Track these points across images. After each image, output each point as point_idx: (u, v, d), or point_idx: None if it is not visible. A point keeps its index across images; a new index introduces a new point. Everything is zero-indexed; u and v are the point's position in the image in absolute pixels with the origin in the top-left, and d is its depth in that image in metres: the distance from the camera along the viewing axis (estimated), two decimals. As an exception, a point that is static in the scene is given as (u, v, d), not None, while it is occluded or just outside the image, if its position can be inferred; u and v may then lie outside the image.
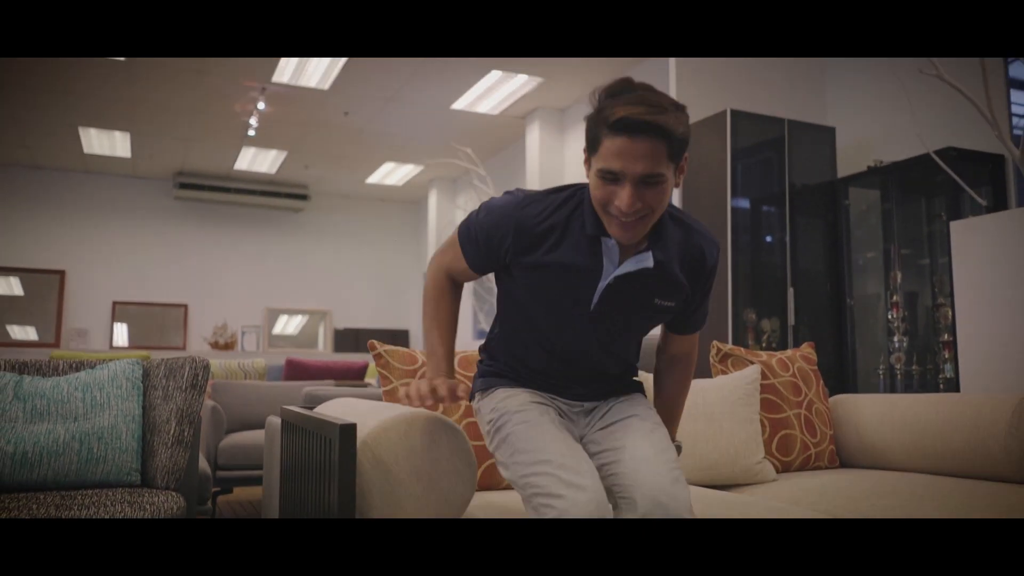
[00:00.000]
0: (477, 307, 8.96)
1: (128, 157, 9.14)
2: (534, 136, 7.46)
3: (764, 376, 2.51)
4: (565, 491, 1.35)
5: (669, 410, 1.79)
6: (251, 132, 7.85)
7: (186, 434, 2.24)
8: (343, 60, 6.32)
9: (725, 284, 4.24)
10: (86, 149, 8.81)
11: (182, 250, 10.15)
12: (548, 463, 1.39)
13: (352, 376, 5.35)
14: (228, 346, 9.98)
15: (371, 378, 6.23)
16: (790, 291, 4.41)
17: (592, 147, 1.44)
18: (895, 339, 4.25)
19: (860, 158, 4.65)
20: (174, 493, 2.07)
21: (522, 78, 6.74)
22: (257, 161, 9.31)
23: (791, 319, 4.39)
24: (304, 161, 9.35)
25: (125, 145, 8.69)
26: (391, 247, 11.43)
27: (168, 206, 10.11)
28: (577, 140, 7.14)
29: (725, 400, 2.31)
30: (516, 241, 1.52)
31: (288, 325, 10.75)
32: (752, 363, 2.54)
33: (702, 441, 2.28)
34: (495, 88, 6.98)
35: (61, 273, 9.50)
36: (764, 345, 4.36)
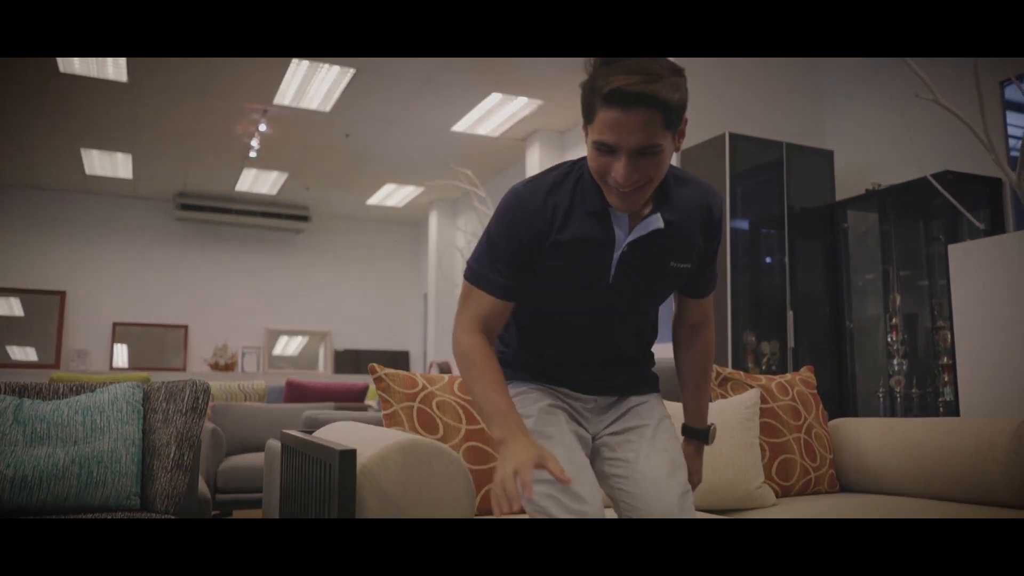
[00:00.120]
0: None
1: (130, 178, 9.18)
2: (534, 158, 7.49)
3: (764, 400, 2.51)
4: (566, 517, 1.37)
5: (697, 389, 1.75)
6: (252, 154, 7.89)
7: (186, 458, 2.24)
8: (345, 82, 6.37)
9: (725, 306, 4.25)
10: (88, 170, 8.86)
11: (183, 271, 10.17)
12: (552, 484, 1.38)
13: (352, 398, 5.34)
14: (228, 367, 9.97)
15: (371, 399, 6.22)
16: (789, 314, 4.41)
17: (587, 117, 1.41)
18: (895, 362, 4.25)
19: (858, 181, 4.67)
20: (173, 518, 2.07)
21: (522, 100, 6.79)
22: (258, 182, 9.36)
23: (791, 342, 4.39)
24: (305, 182, 9.39)
25: (127, 166, 8.73)
26: (391, 268, 11.45)
27: (169, 227, 10.14)
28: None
29: (724, 424, 2.31)
30: (541, 228, 1.49)
31: (288, 346, 10.75)
32: (751, 387, 2.55)
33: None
34: (495, 110, 7.03)
35: (62, 294, 9.52)
36: (764, 368, 4.36)
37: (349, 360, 10.74)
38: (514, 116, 7.12)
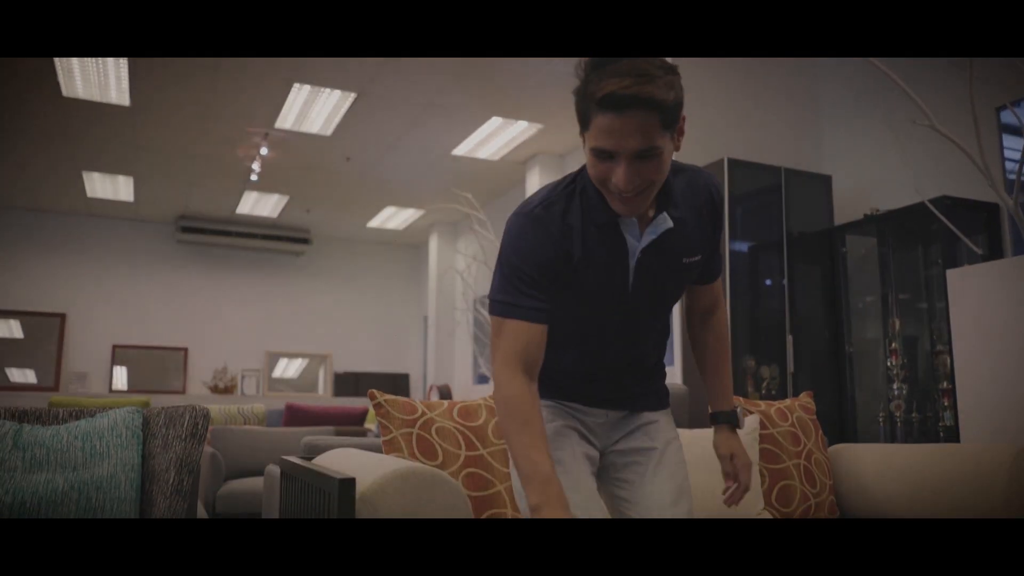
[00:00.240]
0: (477, 351, 8.95)
1: (131, 201, 9.22)
2: (534, 181, 7.53)
3: (763, 426, 2.51)
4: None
5: (717, 371, 1.74)
6: (253, 177, 7.93)
7: (185, 483, 2.24)
8: (346, 107, 6.41)
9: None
10: (89, 193, 8.89)
11: (183, 293, 10.18)
12: None
13: (352, 421, 5.33)
14: (228, 390, 9.95)
15: (371, 423, 6.20)
16: (789, 338, 4.41)
17: (583, 124, 1.38)
18: (895, 386, 4.25)
19: (856, 206, 4.69)
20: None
21: (522, 124, 6.83)
22: (259, 205, 9.39)
23: (790, 366, 4.39)
24: (306, 205, 9.42)
25: (128, 189, 8.77)
26: (392, 291, 11.47)
27: (170, 249, 10.17)
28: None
29: (724, 450, 2.31)
30: (566, 247, 1.46)
31: (288, 368, 10.73)
32: (751, 413, 2.55)
33: (700, 492, 2.27)
34: (495, 134, 7.07)
35: (62, 316, 9.52)
36: (764, 393, 4.36)
37: (349, 383, 10.72)
38: (514, 140, 7.17)
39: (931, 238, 4.29)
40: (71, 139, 7.22)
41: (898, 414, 4.23)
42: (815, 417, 2.70)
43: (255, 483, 4.20)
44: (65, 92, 6.12)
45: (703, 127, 4.71)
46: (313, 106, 6.46)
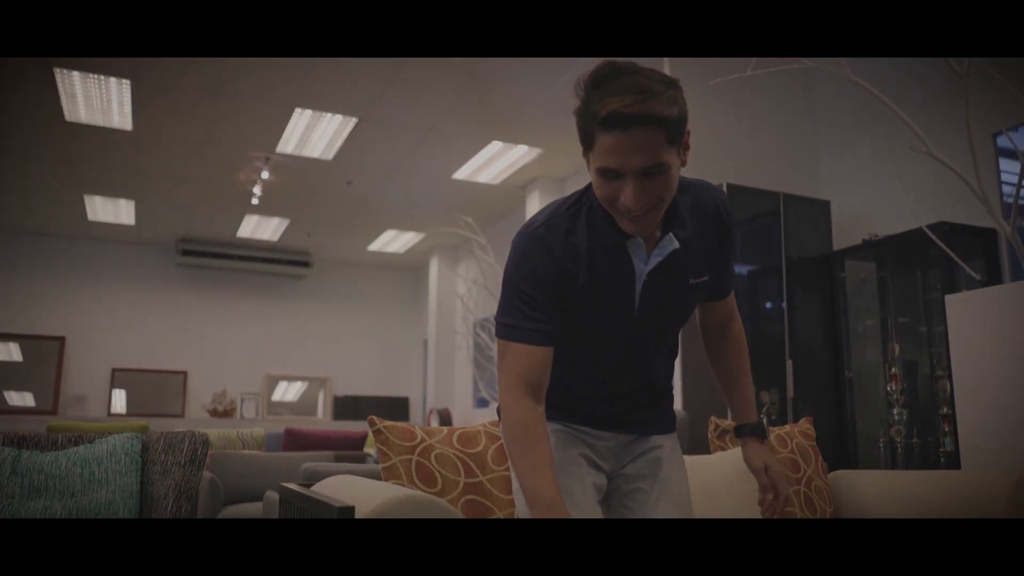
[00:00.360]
0: (477, 375, 8.94)
1: (132, 224, 9.25)
2: (534, 205, 7.55)
3: (763, 452, 2.50)
4: None
5: (738, 383, 1.72)
6: (254, 200, 7.96)
7: (183, 510, 2.23)
8: (347, 131, 6.45)
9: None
10: (90, 216, 8.92)
11: (183, 316, 10.18)
12: None
13: (351, 446, 5.32)
14: (227, 413, 9.92)
15: (370, 447, 6.18)
16: (788, 363, 4.41)
17: (586, 144, 1.35)
18: (895, 411, 4.24)
19: (855, 231, 4.71)
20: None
21: (522, 148, 6.87)
22: (260, 228, 9.42)
23: (790, 391, 4.39)
24: (306, 228, 9.45)
25: (129, 212, 8.80)
26: (392, 314, 11.47)
27: (171, 272, 10.18)
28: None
29: (724, 477, 2.30)
30: (568, 268, 1.44)
31: (288, 392, 10.71)
32: (751, 439, 2.54)
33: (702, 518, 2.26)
34: (496, 158, 7.11)
35: (61, 339, 9.51)
36: (763, 418, 4.35)
37: (349, 406, 10.70)
38: (514, 164, 7.20)
39: (930, 263, 4.30)
40: (73, 163, 7.26)
41: (898, 439, 4.22)
42: (815, 443, 2.69)
43: (254, 508, 4.18)
44: (68, 117, 6.16)
45: (702, 152, 4.72)
46: (314, 131, 6.50)
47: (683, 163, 1.38)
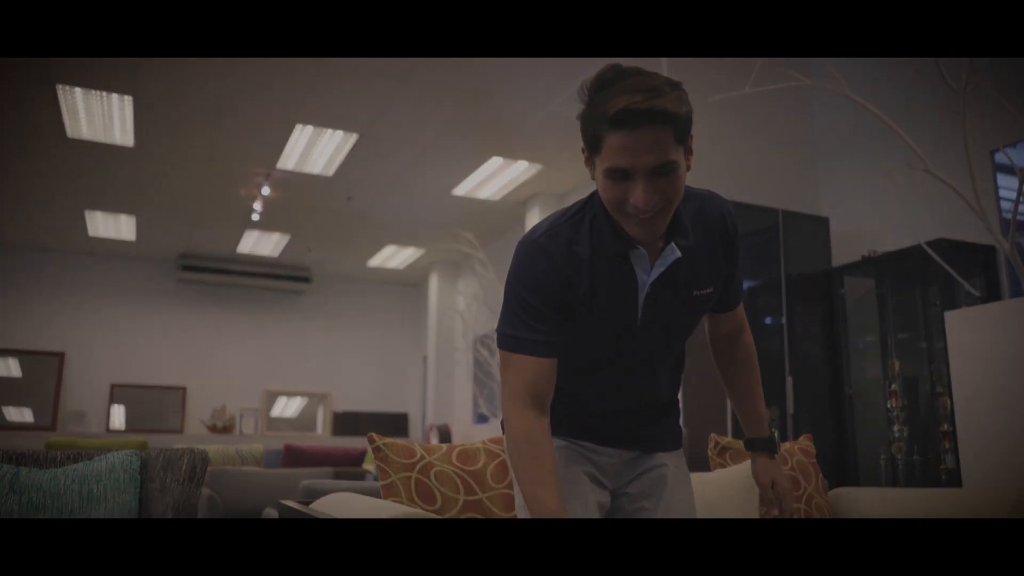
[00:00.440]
0: (477, 391, 8.93)
1: (133, 240, 9.26)
2: (534, 221, 7.53)
3: (763, 469, 2.50)
4: None
5: (749, 395, 1.70)
6: (255, 217, 7.97)
7: (182, 528, 2.22)
8: (348, 148, 6.48)
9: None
10: (91, 232, 8.94)
11: (183, 332, 10.18)
12: None
13: (350, 462, 5.30)
14: (227, 429, 9.90)
15: (369, 463, 6.17)
16: (788, 379, 4.41)
17: (593, 147, 1.33)
18: (895, 428, 4.23)
19: (854, 247, 4.72)
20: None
21: (522, 164, 6.89)
22: (260, 244, 9.43)
23: (790, 408, 4.38)
24: (307, 244, 9.46)
25: (130, 228, 8.81)
26: (391, 330, 11.46)
27: (171, 288, 10.19)
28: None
29: (724, 495, 2.30)
30: (570, 277, 1.42)
31: (287, 408, 10.69)
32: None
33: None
34: (496, 174, 7.13)
35: (60, 355, 9.50)
36: (774, 431, 4.34)
37: (348, 422, 10.67)
38: (514, 180, 7.22)
39: (929, 279, 4.30)
40: (75, 179, 7.28)
41: (899, 456, 4.21)
42: (815, 460, 2.69)
43: (252, 525, 4.16)
44: (70, 133, 6.18)
45: (701, 169, 4.74)
46: (315, 147, 6.52)
47: (688, 167, 1.37)
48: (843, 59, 4.81)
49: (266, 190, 7.36)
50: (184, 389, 10.00)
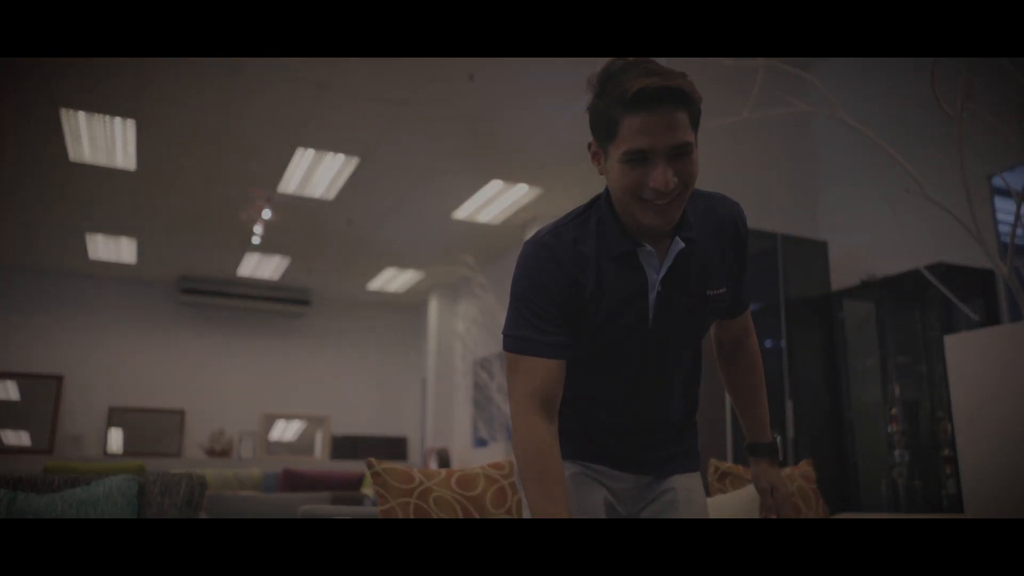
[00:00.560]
0: (477, 415, 8.90)
1: (133, 263, 9.27)
2: (533, 245, 7.57)
3: (763, 495, 2.49)
4: None
5: (753, 401, 1.69)
6: (255, 240, 7.99)
7: (179, 554, 2.21)
8: (349, 171, 6.50)
9: (723, 399, 4.24)
10: (91, 255, 8.95)
11: (183, 354, 10.16)
12: None
13: (348, 486, 5.28)
14: (224, 452, 9.85)
15: (368, 487, 6.14)
16: (789, 403, 4.40)
17: (608, 133, 1.32)
18: (896, 453, 4.22)
19: (853, 271, 4.73)
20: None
21: (522, 188, 6.91)
22: (260, 267, 9.45)
23: (791, 432, 4.37)
24: (307, 267, 9.48)
25: (131, 251, 8.83)
26: (391, 353, 11.45)
27: (171, 310, 10.19)
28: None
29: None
30: (575, 277, 1.40)
31: (286, 431, 10.65)
32: (750, 482, 2.53)
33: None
34: (496, 198, 7.15)
35: (59, 378, 9.48)
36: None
37: (347, 446, 10.63)
38: (515, 204, 7.24)
39: (928, 303, 4.31)
40: (76, 202, 7.30)
41: (900, 481, 4.19)
42: (816, 486, 2.68)
43: (250, 550, 4.13)
44: (72, 157, 6.21)
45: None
46: (316, 171, 6.55)
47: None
48: (841, 85, 4.85)
49: (267, 213, 7.38)
50: (182, 412, 9.97)
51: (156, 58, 4.83)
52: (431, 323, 10.26)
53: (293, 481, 5.36)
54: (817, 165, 5.34)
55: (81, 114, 5.56)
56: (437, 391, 9.89)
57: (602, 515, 1.53)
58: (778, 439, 1.68)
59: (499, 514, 2.08)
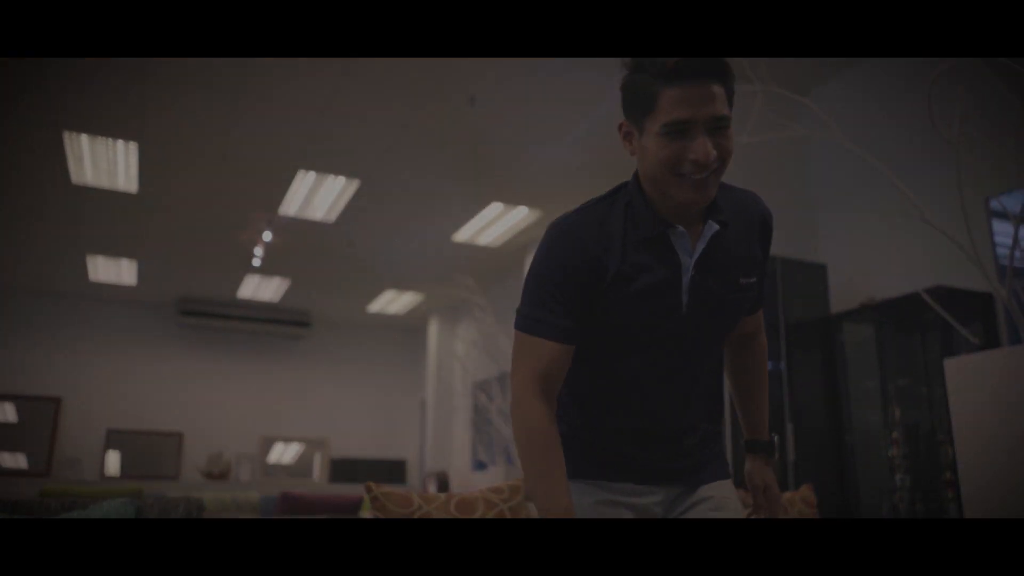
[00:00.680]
0: (476, 438, 8.87)
1: (133, 285, 9.28)
2: (533, 267, 7.58)
3: (764, 519, 2.47)
4: None
5: (754, 397, 1.67)
6: (256, 262, 8.00)
7: (175, 578, 2.19)
8: (349, 194, 6.53)
9: (724, 421, 4.23)
10: (91, 276, 8.96)
11: (182, 377, 10.14)
12: None
13: (347, 510, 5.25)
14: (222, 475, 9.80)
15: (366, 511, 6.10)
16: (789, 426, 4.39)
17: (645, 107, 1.31)
18: (897, 477, 4.20)
19: (852, 294, 4.73)
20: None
21: (522, 210, 6.93)
22: (260, 289, 9.45)
23: (791, 455, 4.35)
24: (307, 289, 9.48)
25: (131, 273, 8.84)
26: (390, 375, 11.43)
27: (170, 332, 10.18)
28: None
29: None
30: (598, 257, 1.37)
31: (285, 454, 10.60)
32: (747, 507, 2.51)
33: None
34: (496, 220, 7.17)
35: (57, 400, 9.46)
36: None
37: (345, 469, 10.58)
38: (514, 226, 7.26)
39: (928, 326, 4.30)
40: (78, 224, 7.32)
41: (902, 506, 4.16)
42: (816, 510, 2.66)
43: None
44: (74, 179, 6.23)
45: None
46: (317, 193, 6.58)
47: None
48: (839, 109, 4.88)
49: (268, 235, 7.40)
50: (181, 435, 9.93)
51: (158, 82, 4.87)
52: (431, 345, 10.25)
53: (291, 505, 5.33)
54: (816, 189, 5.36)
55: (84, 137, 5.59)
56: (436, 414, 9.87)
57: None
58: (775, 437, 1.67)
59: (498, 538, 2.07)
